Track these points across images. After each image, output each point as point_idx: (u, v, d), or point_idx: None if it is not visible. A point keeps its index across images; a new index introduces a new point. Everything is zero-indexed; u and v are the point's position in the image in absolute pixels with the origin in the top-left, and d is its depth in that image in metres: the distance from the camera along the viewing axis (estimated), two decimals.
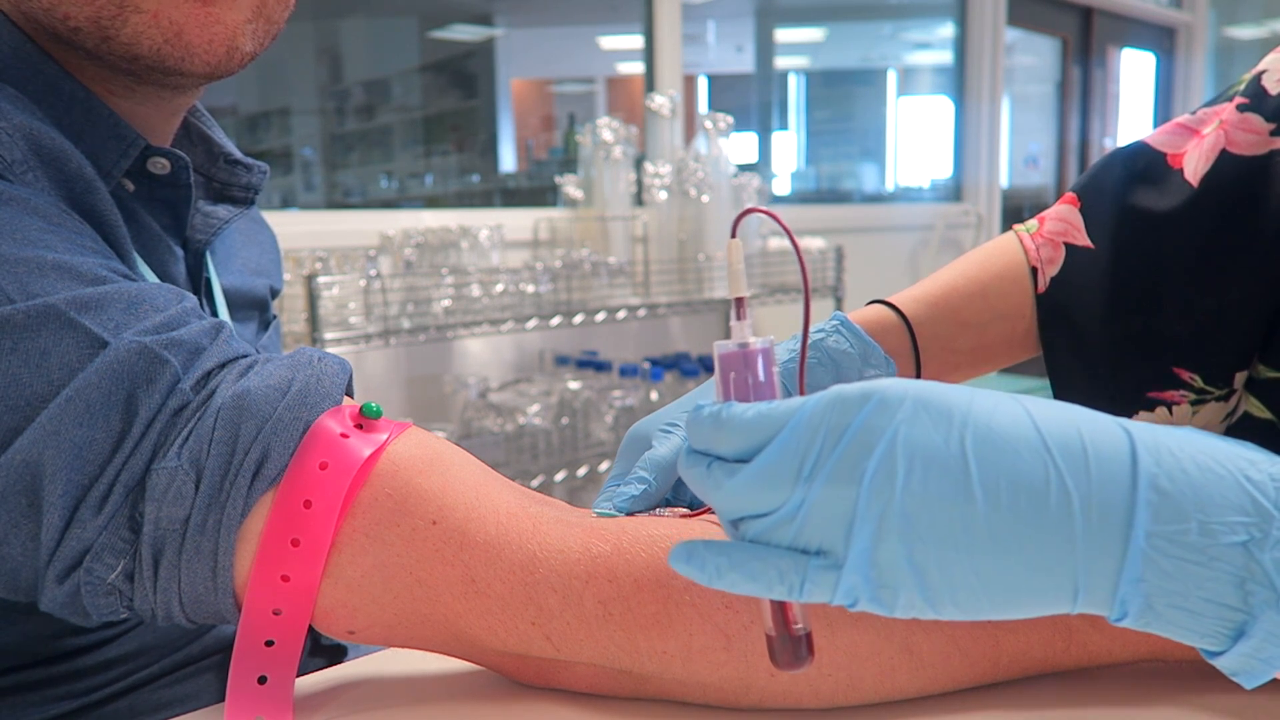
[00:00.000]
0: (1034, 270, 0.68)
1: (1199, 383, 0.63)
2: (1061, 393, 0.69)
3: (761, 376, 0.38)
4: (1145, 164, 0.65)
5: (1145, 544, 0.32)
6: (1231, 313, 0.61)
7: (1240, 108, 0.61)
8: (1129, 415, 0.65)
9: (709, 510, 0.53)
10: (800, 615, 0.37)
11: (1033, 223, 0.71)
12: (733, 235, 0.39)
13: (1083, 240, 0.67)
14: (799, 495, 0.34)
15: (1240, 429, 0.64)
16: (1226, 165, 0.61)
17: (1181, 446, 0.33)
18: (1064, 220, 0.68)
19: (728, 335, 0.39)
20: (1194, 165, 0.62)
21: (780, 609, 0.37)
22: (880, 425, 0.33)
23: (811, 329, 0.63)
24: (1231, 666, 0.33)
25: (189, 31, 0.52)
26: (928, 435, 0.33)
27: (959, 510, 0.32)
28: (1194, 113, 0.66)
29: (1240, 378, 0.63)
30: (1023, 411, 0.34)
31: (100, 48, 0.52)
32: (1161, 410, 0.64)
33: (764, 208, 0.40)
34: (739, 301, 0.39)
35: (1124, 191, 0.65)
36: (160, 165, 0.57)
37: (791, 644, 0.37)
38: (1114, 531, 0.32)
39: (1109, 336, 0.65)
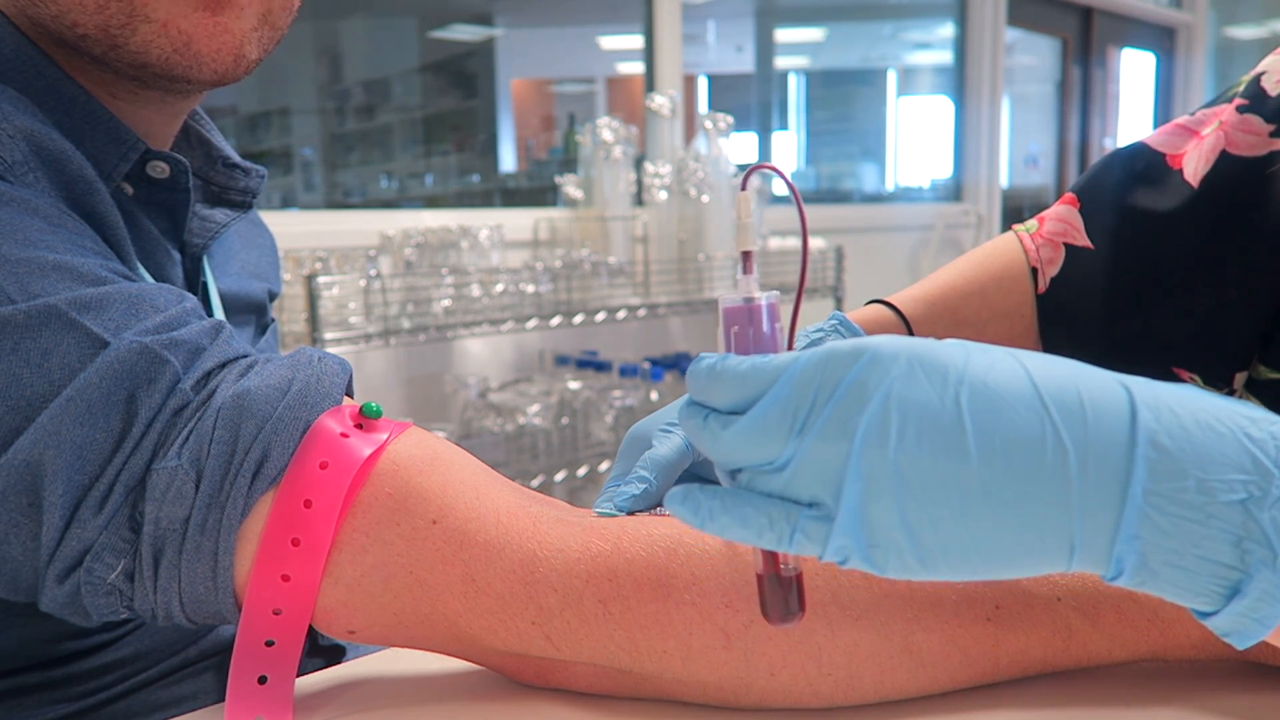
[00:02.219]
0: (1034, 270, 0.68)
1: (1199, 383, 0.63)
2: None
3: (766, 331, 0.37)
4: (1145, 165, 0.65)
5: (1142, 501, 0.31)
6: (1231, 314, 0.61)
7: (1240, 109, 0.61)
8: None
9: None
10: (790, 555, 0.37)
11: (1032, 223, 0.71)
12: (743, 188, 0.38)
13: (1082, 241, 0.67)
14: (791, 449, 0.33)
15: None
16: (1226, 166, 0.61)
17: (1182, 403, 0.32)
18: (1063, 220, 0.68)
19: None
20: (1194, 166, 0.62)
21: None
22: (874, 381, 0.33)
23: (811, 328, 0.63)
24: (1224, 626, 0.33)
25: (198, 41, 0.52)
26: (922, 392, 0.32)
27: (953, 468, 0.32)
28: (1193, 114, 0.66)
29: (1240, 378, 0.63)
30: (1020, 368, 0.33)
31: (108, 55, 0.52)
32: None
33: (770, 164, 0.40)
34: (746, 255, 0.38)
35: (1123, 192, 0.65)
36: (159, 169, 0.57)
37: (781, 588, 0.37)
38: (1111, 488, 0.31)
39: (1109, 336, 0.65)
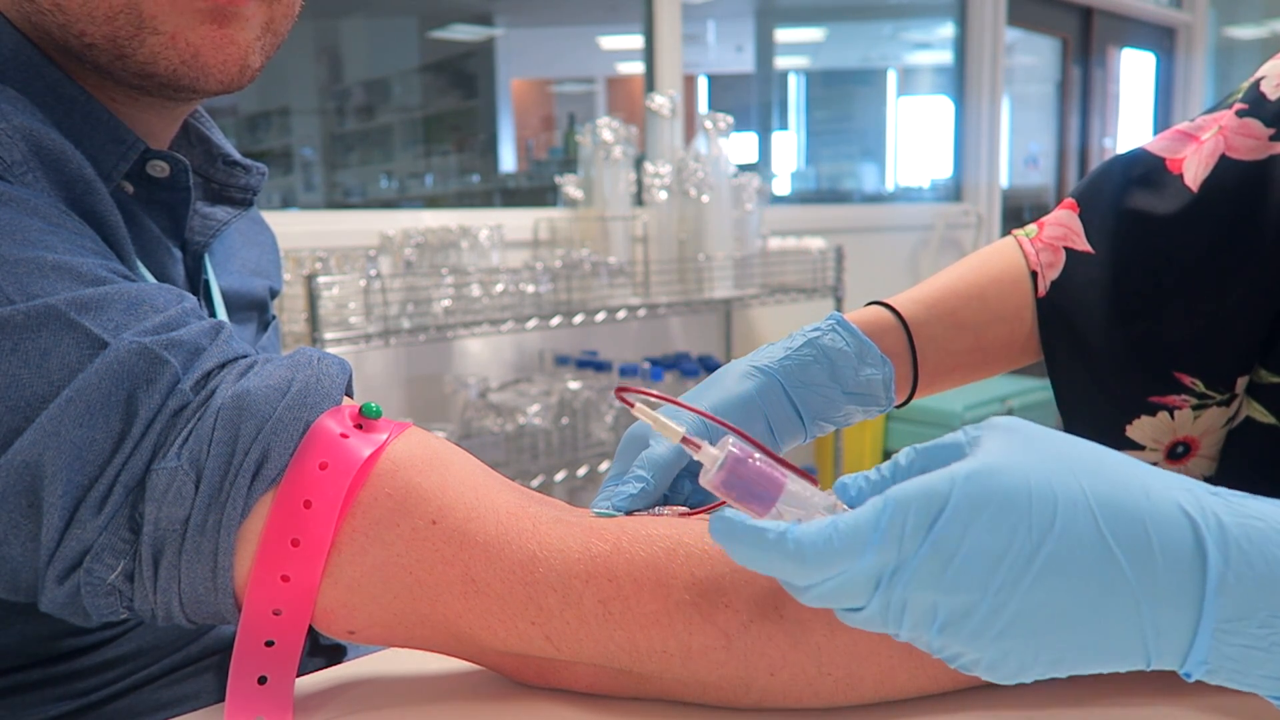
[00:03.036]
0: (1034, 275, 0.68)
1: (1200, 387, 0.63)
2: (1063, 396, 0.68)
3: (758, 473, 0.38)
4: (1144, 169, 0.65)
5: (1210, 637, 0.34)
6: (1231, 317, 0.61)
7: (1239, 113, 0.61)
8: (1130, 419, 0.65)
9: (707, 509, 0.53)
10: None
11: (1032, 228, 0.71)
12: (631, 406, 0.42)
13: (1082, 245, 0.67)
14: (879, 600, 0.36)
15: (1243, 434, 0.64)
16: (1226, 170, 0.61)
17: (1249, 536, 0.34)
18: (1063, 225, 0.68)
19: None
20: (1193, 170, 0.62)
21: None
22: (953, 536, 0.34)
23: (808, 328, 0.63)
24: None
25: (205, 53, 0.52)
26: (1000, 543, 0.34)
27: (1037, 614, 0.34)
28: (1194, 120, 0.66)
29: (1242, 382, 0.63)
30: (1088, 510, 0.35)
31: (114, 65, 0.52)
32: (1163, 415, 0.64)
33: (638, 391, 0.43)
34: (686, 441, 0.40)
35: (1123, 196, 0.65)
36: (159, 168, 0.57)
37: None
38: (1182, 626, 0.34)
39: (1110, 341, 0.64)
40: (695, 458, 0.39)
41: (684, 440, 0.40)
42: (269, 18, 0.55)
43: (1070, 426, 0.69)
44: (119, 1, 0.50)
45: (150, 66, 0.52)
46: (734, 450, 0.39)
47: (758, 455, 0.39)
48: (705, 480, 0.39)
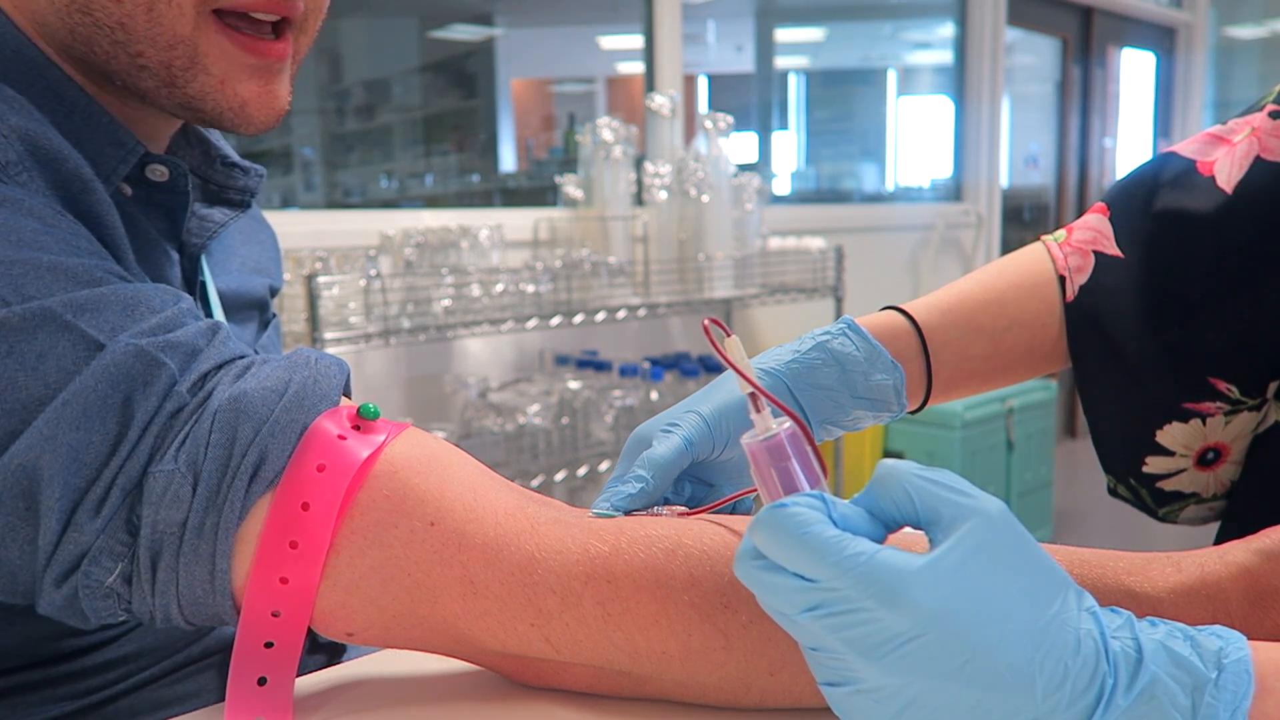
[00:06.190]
0: (1062, 279, 0.67)
1: (1235, 394, 0.62)
2: (1091, 403, 0.67)
3: (795, 462, 0.38)
4: (1175, 172, 0.64)
5: None
6: (1268, 321, 0.60)
7: (1273, 114, 0.61)
8: (1161, 425, 0.64)
9: (706, 510, 0.52)
10: None
11: (1061, 232, 0.70)
12: (728, 334, 0.40)
13: (1112, 249, 0.66)
14: (808, 618, 0.34)
15: (1269, 439, 0.63)
16: (1261, 172, 0.60)
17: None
18: (1093, 229, 0.67)
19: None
20: (1226, 172, 0.62)
21: None
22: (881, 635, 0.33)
23: (818, 331, 0.62)
24: None
25: (251, 106, 0.55)
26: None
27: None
28: (1225, 123, 0.65)
29: (1273, 387, 0.62)
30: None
31: (159, 91, 0.53)
32: (1195, 421, 0.63)
33: (726, 330, 0.41)
34: (752, 398, 0.39)
35: (1154, 199, 0.64)
36: (159, 172, 0.57)
37: None
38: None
39: (1143, 347, 0.63)
40: (751, 415, 0.39)
41: (752, 395, 0.39)
42: (295, 51, 0.58)
43: (1098, 432, 0.67)
44: (182, 32, 0.51)
45: (197, 102, 0.54)
46: (790, 432, 0.38)
47: (809, 450, 0.38)
48: (750, 440, 0.38)
